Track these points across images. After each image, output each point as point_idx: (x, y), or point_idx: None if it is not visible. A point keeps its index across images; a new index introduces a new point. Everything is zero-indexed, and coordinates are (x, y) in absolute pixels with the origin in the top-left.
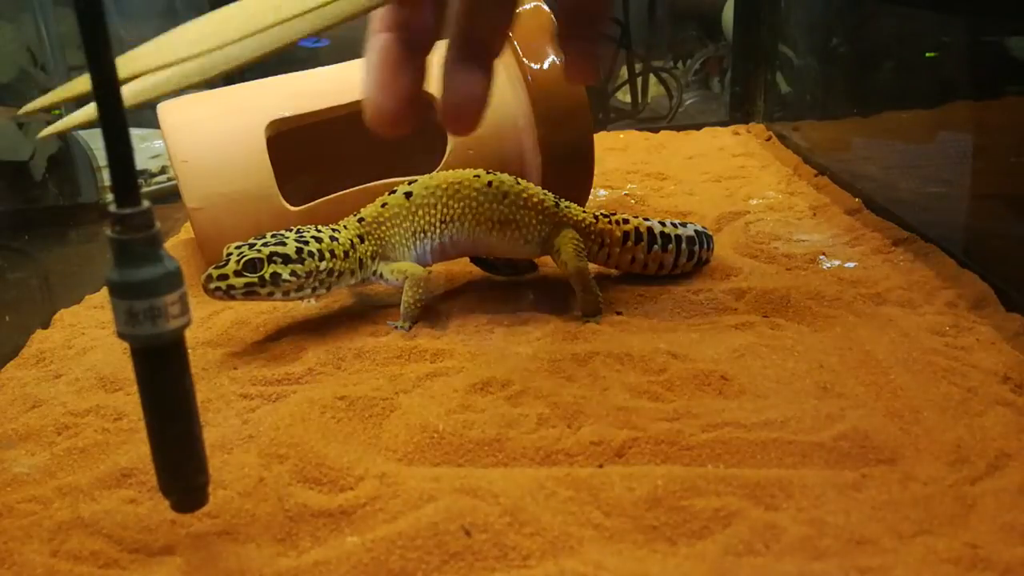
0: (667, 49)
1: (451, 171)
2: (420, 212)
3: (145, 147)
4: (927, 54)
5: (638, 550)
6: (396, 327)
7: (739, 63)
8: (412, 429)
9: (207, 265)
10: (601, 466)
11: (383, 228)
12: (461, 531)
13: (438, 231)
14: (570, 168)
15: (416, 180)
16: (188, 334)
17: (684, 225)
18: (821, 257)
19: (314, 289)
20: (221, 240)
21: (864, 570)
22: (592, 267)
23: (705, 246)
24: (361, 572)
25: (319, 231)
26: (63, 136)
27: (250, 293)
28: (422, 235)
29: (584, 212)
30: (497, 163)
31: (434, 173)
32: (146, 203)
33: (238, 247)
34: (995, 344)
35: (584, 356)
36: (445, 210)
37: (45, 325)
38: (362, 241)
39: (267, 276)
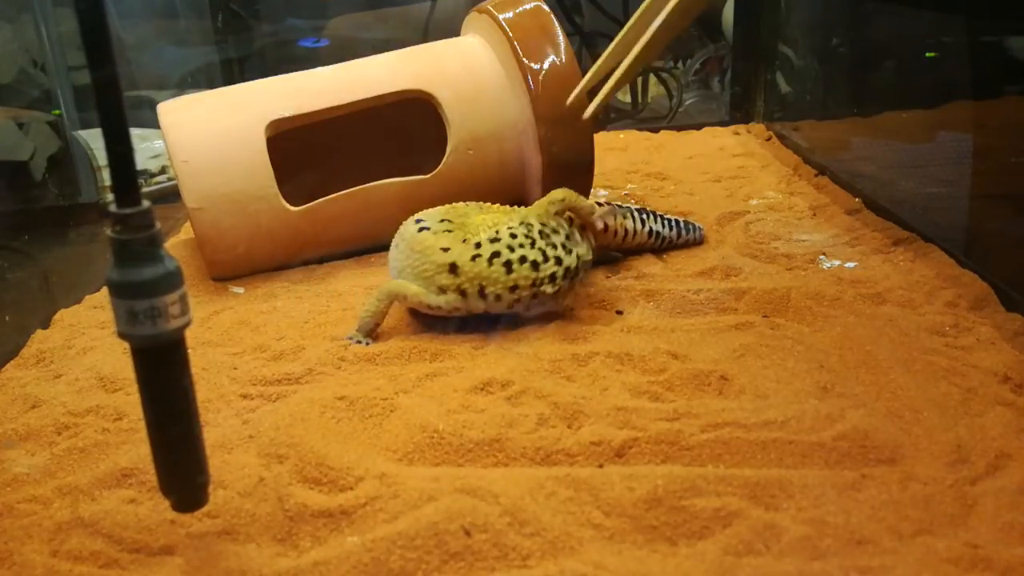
0: (667, 49)
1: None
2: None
3: (145, 147)
4: (927, 54)
5: (638, 550)
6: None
7: (739, 63)
8: (412, 429)
9: (207, 265)
10: (601, 466)
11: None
12: (461, 531)
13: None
14: (570, 168)
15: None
16: (188, 334)
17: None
18: (821, 257)
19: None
20: (221, 240)
21: (864, 570)
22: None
23: (687, 232)
24: (361, 572)
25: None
26: (63, 136)
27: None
28: None
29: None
30: (497, 163)
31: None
32: (146, 203)
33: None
34: (995, 344)
35: (584, 356)
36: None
37: (45, 325)
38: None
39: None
